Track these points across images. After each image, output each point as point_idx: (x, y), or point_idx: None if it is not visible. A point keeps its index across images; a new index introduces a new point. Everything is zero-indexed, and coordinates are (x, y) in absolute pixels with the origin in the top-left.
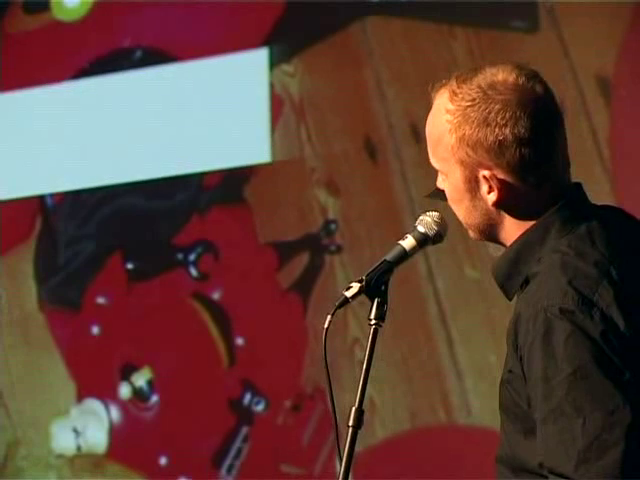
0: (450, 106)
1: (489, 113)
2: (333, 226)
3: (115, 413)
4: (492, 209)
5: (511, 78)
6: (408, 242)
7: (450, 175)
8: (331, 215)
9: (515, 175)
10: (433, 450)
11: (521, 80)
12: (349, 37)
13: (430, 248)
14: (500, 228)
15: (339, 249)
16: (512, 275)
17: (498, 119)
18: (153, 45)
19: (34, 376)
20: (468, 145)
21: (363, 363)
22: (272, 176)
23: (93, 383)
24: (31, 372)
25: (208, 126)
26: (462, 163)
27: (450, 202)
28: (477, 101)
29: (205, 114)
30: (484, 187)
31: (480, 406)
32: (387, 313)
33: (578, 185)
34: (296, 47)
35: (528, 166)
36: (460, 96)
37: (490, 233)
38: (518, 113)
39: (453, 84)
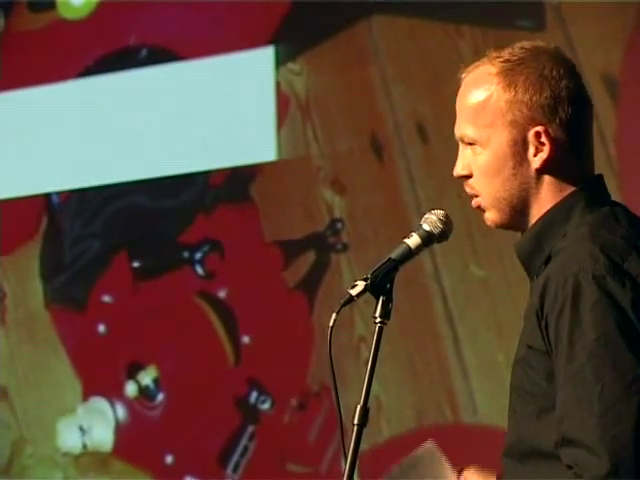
0: (493, 69)
1: (543, 68)
2: (339, 224)
3: (121, 411)
4: (532, 176)
5: (551, 47)
6: (413, 240)
7: (493, 142)
8: (337, 214)
9: (566, 133)
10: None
11: (560, 51)
12: (355, 36)
13: (436, 247)
14: (534, 200)
15: (345, 247)
16: (535, 252)
17: (554, 73)
18: (158, 44)
19: (40, 374)
20: (522, 102)
21: (368, 361)
22: (278, 175)
23: (99, 381)
24: (37, 370)
25: (214, 125)
26: (512, 123)
27: (481, 178)
28: (527, 59)
29: (211, 113)
30: (531, 149)
31: (486, 405)
32: (393, 311)
33: (601, 175)
34: (302, 46)
35: (578, 124)
36: (504, 58)
37: (520, 209)
38: (568, 73)
39: (490, 55)
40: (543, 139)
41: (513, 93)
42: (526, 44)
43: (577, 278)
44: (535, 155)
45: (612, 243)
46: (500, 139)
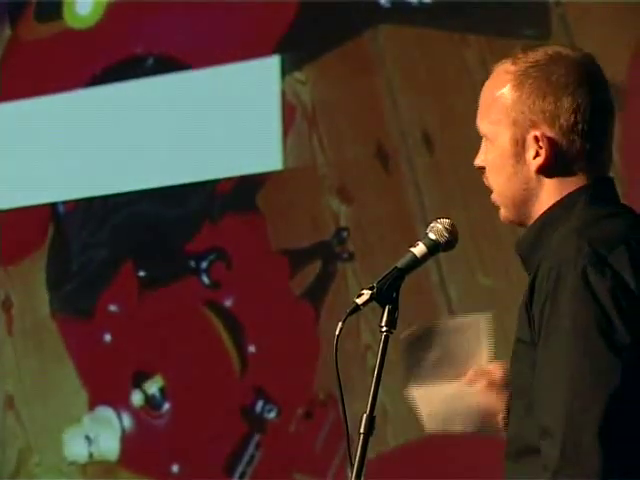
0: (511, 68)
1: (552, 74)
2: (345, 233)
3: (127, 421)
4: (532, 177)
5: (577, 54)
6: (419, 249)
7: (498, 138)
8: (343, 222)
9: (565, 140)
10: (445, 458)
11: (586, 58)
12: (361, 45)
13: (442, 256)
14: (535, 200)
15: (351, 256)
16: (534, 248)
17: (561, 81)
18: (165, 53)
19: (46, 384)
20: (525, 104)
21: (375, 370)
22: (284, 184)
23: (105, 391)
24: (43, 380)
25: (220, 133)
26: (514, 123)
27: (490, 173)
28: (541, 63)
29: (217, 121)
30: (531, 151)
31: None
32: (399, 320)
33: (611, 178)
34: (308, 55)
35: (580, 133)
36: (524, 59)
37: (523, 208)
38: (580, 81)
39: (517, 52)
40: (541, 143)
41: (519, 94)
42: (550, 49)
43: (560, 269)
44: (534, 158)
45: (600, 236)
46: (504, 137)
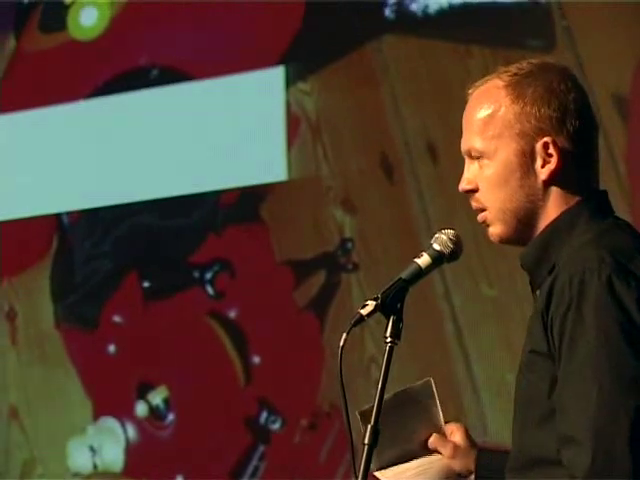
0: (501, 83)
1: (551, 82)
2: (349, 244)
3: (131, 431)
4: (539, 187)
5: (558, 63)
6: (423, 260)
7: (500, 153)
8: (347, 233)
9: (573, 144)
10: None
11: (567, 67)
12: (365, 55)
13: (447, 266)
14: (540, 212)
15: (355, 267)
16: (541, 261)
17: (561, 86)
18: (169, 64)
19: (50, 394)
20: (530, 114)
21: (379, 381)
22: (288, 194)
23: (109, 401)
24: (47, 390)
25: (224, 144)
26: (520, 135)
27: (488, 190)
28: (536, 73)
29: (221, 132)
30: (538, 160)
31: (496, 424)
32: (403, 331)
33: (606, 191)
34: (312, 66)
35: (585, 137)
36: (513, 72)
37: (526, 221)
38: (576, 89)
39: (499, 71)
40: (551, 150)
41: (521, 105)
42: (533, 60)
43: (583, 277)
44: (542, 166)
45: (618, 246)
46: (507, 150)
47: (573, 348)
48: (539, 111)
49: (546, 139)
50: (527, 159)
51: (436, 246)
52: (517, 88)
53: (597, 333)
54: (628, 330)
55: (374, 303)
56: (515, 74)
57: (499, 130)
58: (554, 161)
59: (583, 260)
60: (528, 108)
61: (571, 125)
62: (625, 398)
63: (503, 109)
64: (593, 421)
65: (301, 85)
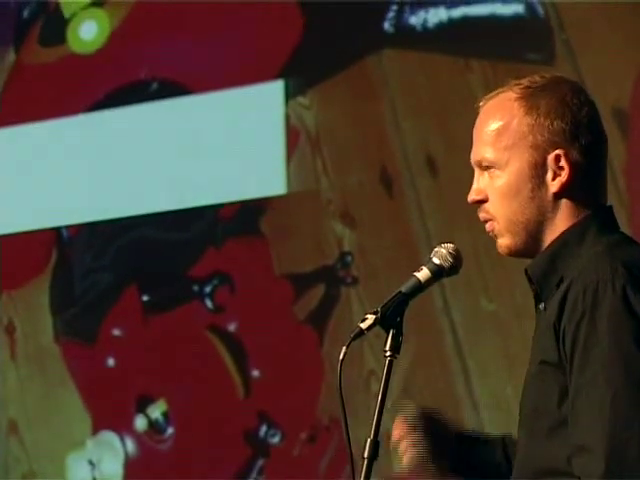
0: (514, 95)
1: (564, 95)
2: (349, 258)
3: (130, 445)
4: (550, 199)
5: (569, 78)
6: (423, 274)
7: (512, 164)
8: (347, 247)
9: (585, 158)
10: None
11: (578, 82)
12: (365, 69)
13: (446, 280)
14: (549, 225)
15: (355, 281)
16: (549, 273)
17: (574, 100)
18: (169, 77)
19: (49, 408)
20: (543, 126)
21: (378, 395)
22: (288, 208)
23: (108, 415)
24: (46, 404)
25: (224, 158)
26: (533, 146)
27: (499, 201)
28: (549, 86)
29: (221, 146)
30: (550, 173)
31: None
32: (403, 345)
33: (611, 207)
34: (312, 79)
35: (596, 151)
36: (526, 85)
37: (534, 234)
38: (588, 103)
39: (510, 83)
40: (562, 163)
41: (535, 117)
42: (546, 73)
43: (597, 288)
44: (553, 179)
45: (630, 258)
46: (520, 161)
47: (586, 358)
48: (552, 124)
49: (558, 151)
50: (539, 171)
51: (436, 260)
52: (530, 100)
53: (610, 343)
54: None
55: (374, 317)
56: (528, 87)
57: (512, 141)
58: (565, 174)
59: (597, 271)
60: (541, 120)
61: (583, 139)
62: (639, 407)
63: (516, 120)
64: (606, 429)
65: (300, 99)
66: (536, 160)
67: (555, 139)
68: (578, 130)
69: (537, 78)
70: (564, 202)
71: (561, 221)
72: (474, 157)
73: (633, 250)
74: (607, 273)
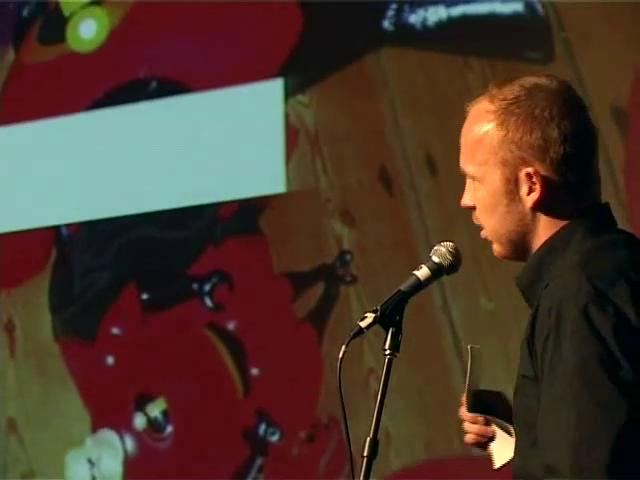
0: (491, 107)
1: (535, 109)
2: (348, 256)
3: (130, 444)
4: (528, 212)
5: (554, 83)
6: (422, 272)
7: (487, 179)
8: (346, 245)
9: (557, 173)
10: None
11: (563, 86)
12: (364, 68)
13: (445, 279)
14: (532, 235)
15: (354, 279)
16: (535, 281)
17: (545, 114)
18: (168, 76)
19: (49, 407)
20: (512, 142)
21: (378, 393)
22: (287, 206)
23: (108, 414)
24: (46, 403)
25: (223, 156)
26: (504, 162)
27: (481, 212)
28: (521, 98)
29: (220, 144)
30: (524, 188)
31: None
32: (402, 343)
33: (607, 204)
34: (311, 78)
35: (571, 164)
36: (502, 96)
37: (520, 243)
38: (563, 111)
39: (492, 89)
40: (534, 179)
41: (505, 132)
42: (526, 81)
43: (561, 306)
44: (528, 194)
45: (600, 271)
46: (493, 177)
47: (552, 377)
48: (521, 139)
49: (529, 169)
50: (512, 186)
51: (435, 258)
52: (503, 114)
53: (574, 361)
54: (606, 360)
55: (373, 315)
56: (504, 99)
57: (485, 156)
58: (537, 191)
59: (563, 287)
60: (510, 135)
61: (555, 153)
62: (602, 426)
63: (489, 135)
64: (571, 450)
65: (300, 97)
66: (508, 176)
67: (524, 155)
68: (548, 145)
69: (515, 88)
70: (544, 213)
71: (543, 231)
72: (461, 165)
73: (610, 257)
74: (571, 290)
